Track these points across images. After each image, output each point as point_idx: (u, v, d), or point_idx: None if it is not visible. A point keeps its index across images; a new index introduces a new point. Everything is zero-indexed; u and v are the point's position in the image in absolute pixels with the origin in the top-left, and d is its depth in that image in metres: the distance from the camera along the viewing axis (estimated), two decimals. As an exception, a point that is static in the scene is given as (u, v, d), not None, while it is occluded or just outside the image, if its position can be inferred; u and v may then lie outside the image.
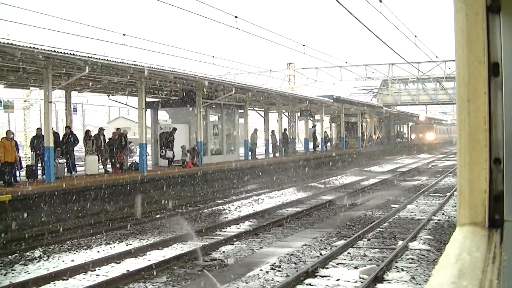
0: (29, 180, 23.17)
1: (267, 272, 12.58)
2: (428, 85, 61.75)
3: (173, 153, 30.23)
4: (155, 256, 14.52)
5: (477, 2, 1.83)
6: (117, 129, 29.77)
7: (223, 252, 14.97)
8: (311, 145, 50.11)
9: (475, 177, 1.85)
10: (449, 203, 23.40)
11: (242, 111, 38.72)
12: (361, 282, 11.40)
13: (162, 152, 31.07)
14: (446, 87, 58.80)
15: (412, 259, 13.51)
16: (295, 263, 13.37)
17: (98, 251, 15.28)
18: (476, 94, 1.84)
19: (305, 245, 15.52)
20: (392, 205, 23.15)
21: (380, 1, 24.08)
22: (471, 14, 1.84)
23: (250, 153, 38.92)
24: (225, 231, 18.23)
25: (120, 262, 13.90)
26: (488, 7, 1.84)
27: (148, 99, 31.98)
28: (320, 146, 50.17)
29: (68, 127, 27.54)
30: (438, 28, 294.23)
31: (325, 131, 54.82)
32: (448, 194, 25.74)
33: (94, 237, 17.36)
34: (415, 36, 35.53)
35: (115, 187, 23.31)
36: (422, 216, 20.33)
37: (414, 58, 61.55)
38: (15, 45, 18.20)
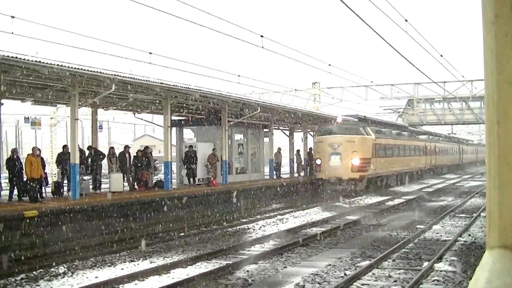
0: (55, 196, 23.32)
1: (291, 292, 12.50)
2: (454, 104, 61.25)
3: (193, 170, 30.11)
4: (179, 274, 14.51)
5: (507, 23, 1.82)
6: (145, 147, 29.89)
7: (247, 271, 14.90)
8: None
9: (505, 199, 1.82)
10: (475, 224, 23.12)
11: (267, 130, 38.73)
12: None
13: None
14: (472, 107, 58.29)
15: (438, 280, 13.34)
16: (319, 283, 13.26)
17: (122, 268, 15.31)
18: (506, 116, 1.82)
19: (330, 265, 15.41)
20: (418, 226, 22.93)
21: (406, 20, 24.03)
22: (501, 35, 1.83)
23: (275, 172, 38.86)
24: (249, 250, 18.18)
25: (144, 280, 13.91)
26: (518, 28, 1.82)
27: (173, 117, 32.14)
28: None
29: (90, 146, 27.82)
30: (464, 47, 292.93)
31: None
32: (475, 215, 25.44)
33: (118, 254, 17.41)
34: (441, 56, 35.33)
35: (140, 204, 23.36)
36: (448, 237, 20.11)
37: (440, 77, 60.92)
38: (43, 63, 18.37)
